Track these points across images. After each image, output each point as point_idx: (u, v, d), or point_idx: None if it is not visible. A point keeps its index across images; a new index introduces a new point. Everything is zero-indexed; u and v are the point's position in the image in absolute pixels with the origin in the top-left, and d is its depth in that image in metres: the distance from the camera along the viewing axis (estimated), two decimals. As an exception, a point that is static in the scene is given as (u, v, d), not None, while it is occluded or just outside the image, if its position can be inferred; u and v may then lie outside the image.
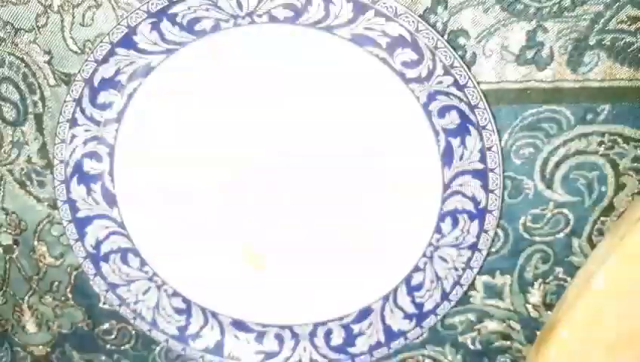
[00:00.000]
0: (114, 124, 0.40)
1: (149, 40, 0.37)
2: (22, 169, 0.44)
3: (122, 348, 0.51)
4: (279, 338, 0.47)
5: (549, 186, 0.43)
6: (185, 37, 0.38)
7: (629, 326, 0.41)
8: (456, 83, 0.37)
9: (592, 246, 0.45)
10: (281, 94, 0.40)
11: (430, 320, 0.44)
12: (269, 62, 0.39)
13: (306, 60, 0.39)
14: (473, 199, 0.41)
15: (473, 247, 0.42)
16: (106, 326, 0.50)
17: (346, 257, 0.45)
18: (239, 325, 0.47)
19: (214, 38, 0.38)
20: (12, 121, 0.43)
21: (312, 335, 0.46)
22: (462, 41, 0.39)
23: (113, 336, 0.50)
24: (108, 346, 0.51)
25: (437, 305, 0.44)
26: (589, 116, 0.41)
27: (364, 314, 0.46)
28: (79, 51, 0.40)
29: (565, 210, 0.44)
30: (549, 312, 0.47)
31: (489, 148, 0.38)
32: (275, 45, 0.38)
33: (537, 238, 0.45)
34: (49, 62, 0.41)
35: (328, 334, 0.46)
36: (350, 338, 0.46)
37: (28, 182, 0.45)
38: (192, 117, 0.41)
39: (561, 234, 0.45)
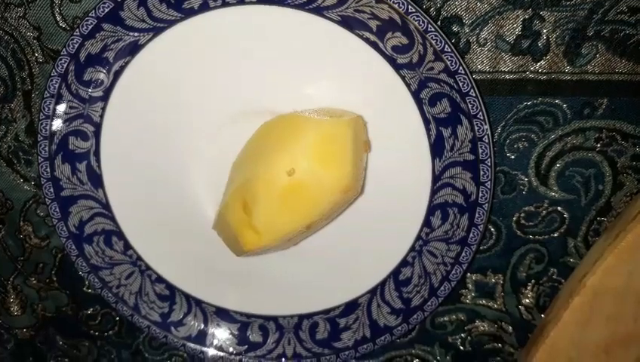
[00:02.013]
0: (100, 102, 0.40)
1: (136, 17, 0.37)
2: (9, 147, 0.44)
3: (106, 334, 0.50)
4: (263, 330, 0.46)
5: (544, 183, 0.42)
6: (172, 15, 0.37)
7: (623, 328, 0.40)
8: (447, 69, 0.36)
9: (588, 247, 0.43)
10: (268, 76, 0.39)
11: (417, 317, 0.43)
12: (257, 43, 0.38)
13: (295, 43, 0.38)
14: (463, 192, 0.39)
15: (463, 242, 0.40)
16: (90, 311, 0.49)
17: (333, 249, 0.44)
18: (223, 314, 0.46)
19: (203, 17, 0.38)
20: (0, 97, 0.43)
21: (297, 327, 0.45)
22: (455, 28, 0.38)
23: (97, 322, 0.50)
24: (92, 331, 0.50)
25: (424, 301, 0.42)
26: (587, 110, 0.40)
27: (351, 308, 0.44)
28: (68, 28, 0.40)
29: (560, 208, 0.43)
30: (542, 315, 0.45)
31: (480, 139, 0.37)
32: (263, 26, 0.38)
33: (531, 237, 0.44)
34: (38, 39, 0.41)
35: (314, 327, 0.45)
36: (335, 333, 0.45)
37: (15, 161, 0.44)
38: (180, 97, 0.40)
39: (556, 234, 0.43)
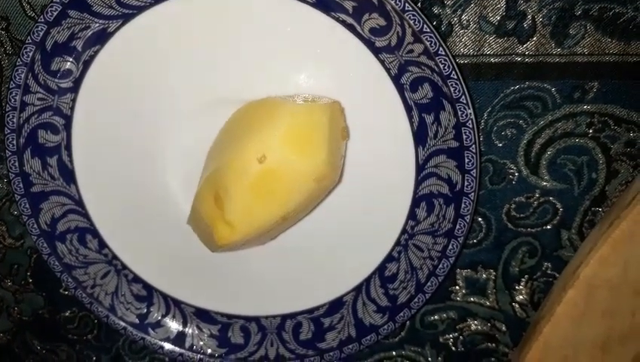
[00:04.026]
0: (70, 94, 0.39)
1: (103, 2, 0.36)
2: (-20, 143, 0.43)
3: (84, 337, 0.48)
4: (245, 331, 0.44)
5: (535, 172, 0.40)
6: (142, 0, 0.36)
7: (620, 322, 0.37)
8: (426, 51, 0.34)
9: (583, 239, 0.41)
10: (243, 63, 0.38)
11: (404, 315, 0.41)
12: (230, 28, 0.37)
13: (269, 28, 0.37)
14: (449, 181, 0.38)
15: (449, 234, 0.38)
16: (68, 313, 0.48)
17: (315, 244, 0.42)
18: (203, 315, 0.44)
19: (174, 2, 0.36)
20: (-31, 91, 0.42)
21: (280, 328, 0.44)
22: (436, 10, 0.37)
23: (75, 325, 0.48)
24: (70, 335, 0.48)
25: (411, 298, 0.40)
26: (577, 94, 0.38)
27: (336, 306, 0.43)
28: (37, 17, 0.39)
29: (553, 199, 0.41)
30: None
31: (464, 124, 0.35)
32: (236, 11, 0.36)
33: (523, 229, 0.42)
34: (6, 30, 0.39)
35: (297, 328, 0.43)
36: (320, 333, 0.43)
37: (-14, 157, 0.43)
38: (153, 87, 0.39)
39: (549, 226, 0.42)
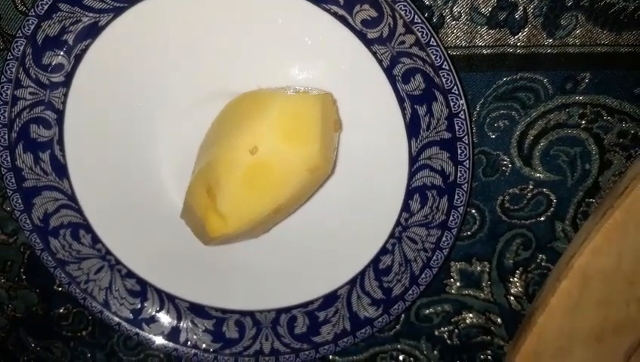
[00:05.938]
0: (62, 88, 0.38)
1: (94, -5, 0.36)
2: (-28, 139, 0.43)
3: (79, 334, 0.48)
4: (240, 326, 0.44)
5: (528, 163, 0.40)
6: (132, -7, 0.36)
7: (615, 313, 0.37)
8: (418, 42, 0.34)
9: (577, 230, 0.41)
10: (235, 56, 0.37)
11: (399, 307, 0.41)
12: (222, 22, 0.37)
13: (261, 21, 0.36)
14: (442, 173, 0.38)
15: (443, 226, 0.38)
16: (62, 309, 0.47)
17: (308, 237, 0.42)
18: (197, 310, 0.44)
19: (165, -5, 0.36)
20: (-39, 86, 0.41)
21: (275, 322, 0.43)
22: (428, 1, 0.37)
23: (69, 322, 0.48)
24: (64, 332, 0.48)
25: (405, 290, 0.40)
26: (569, 85, 0.38)
27: (330, 300, 0.43)
28: (27, 12, 0.39)
29: (546, 190, 0.41)
30: (532, 304, 0.43)
31: (456, 115, 0.35)
32: (228, 4, 0.36)
33: (517, 221, 0.42)
34: (-3, 24, 0.39)
35: (292, 322, 0.43)
36: (315, 327, 0.43)
37: (-21, 153, 0.43)
38: (145, 81, 0.39)
39: (543, 217, 0.42)
